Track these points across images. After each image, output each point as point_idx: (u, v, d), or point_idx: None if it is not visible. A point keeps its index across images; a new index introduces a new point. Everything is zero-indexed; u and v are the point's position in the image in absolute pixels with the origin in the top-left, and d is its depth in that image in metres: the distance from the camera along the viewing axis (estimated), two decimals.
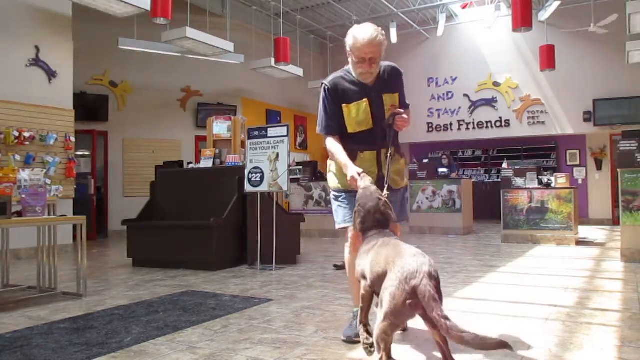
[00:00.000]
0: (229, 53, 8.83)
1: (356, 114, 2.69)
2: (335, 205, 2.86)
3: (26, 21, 7.17)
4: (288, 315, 3.33)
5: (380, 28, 2.65)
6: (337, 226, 2.85)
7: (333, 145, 2.74)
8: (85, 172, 10.01)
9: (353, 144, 2.71)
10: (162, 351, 2.60)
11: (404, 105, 2.82)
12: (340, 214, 2.81)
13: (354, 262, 2.60)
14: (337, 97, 2.71)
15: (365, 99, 2.68)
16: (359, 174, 2.54)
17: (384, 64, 2.76)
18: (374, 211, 2.38)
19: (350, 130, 2.73)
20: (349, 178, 2.59)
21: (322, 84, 2.77)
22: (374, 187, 2.45)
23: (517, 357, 2.41)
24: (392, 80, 2.76)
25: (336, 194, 2.84)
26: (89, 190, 9.95)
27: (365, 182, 2.49)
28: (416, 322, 2.33)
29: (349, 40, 2.63)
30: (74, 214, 4.23)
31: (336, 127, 2.75)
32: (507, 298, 3.81)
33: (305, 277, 4.90)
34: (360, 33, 2.58)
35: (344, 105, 2.70)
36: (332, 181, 2.86)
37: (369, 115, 2.68)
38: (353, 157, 2.68)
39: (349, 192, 2.72)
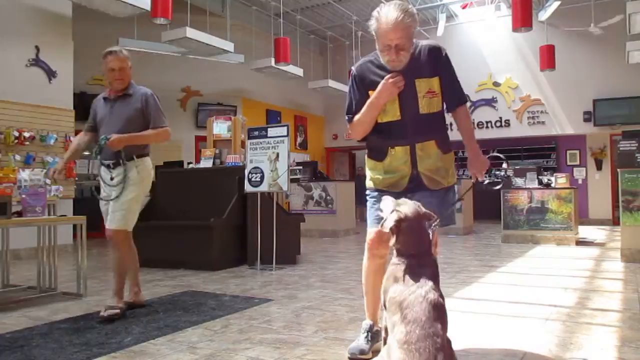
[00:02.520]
0: (229, 53, 8.83)
1: None
2: (367, 207, 2.53)
3: (26, 21, 7.17)
4: (288, 315, 3.33)
5: (410, 7, 2.27)
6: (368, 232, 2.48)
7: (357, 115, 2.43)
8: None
9: (383, 139, 2.42)
10: (162, 351, 2.60)
11: (453, 94, 2.46)
12: (370, 217, 2.49)
13: (372, 270, 2.49)
14: (363, 83, 2.41)
15: None
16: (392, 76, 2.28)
17: (422, 43, 2.40)
18: (418, 219, 1.96)
19: (377, 119, 2.41)
20: (382, 83, 2.30)
21: (351, 69, 2.47)
22: (417, 203, 2.07)
23: (517, 357, 2.41)
24: (428, 62, 2.37)
25: (368, 193, 2.54)
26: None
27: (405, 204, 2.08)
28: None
29: (372, 24, 2.29)
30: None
31: None
32: (507, 298, 3.81)
33: (305, 277, 4.90)
34: (384, 15, 2.22)
35: (371, 91, 2.38)
36: (367, 180, 2.55)
37: (396, 103, 2.36)
38: (383, 154, 2.41)
39: (381, 191, 2.43)
